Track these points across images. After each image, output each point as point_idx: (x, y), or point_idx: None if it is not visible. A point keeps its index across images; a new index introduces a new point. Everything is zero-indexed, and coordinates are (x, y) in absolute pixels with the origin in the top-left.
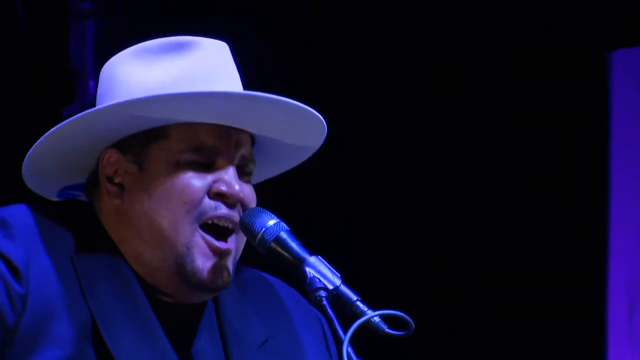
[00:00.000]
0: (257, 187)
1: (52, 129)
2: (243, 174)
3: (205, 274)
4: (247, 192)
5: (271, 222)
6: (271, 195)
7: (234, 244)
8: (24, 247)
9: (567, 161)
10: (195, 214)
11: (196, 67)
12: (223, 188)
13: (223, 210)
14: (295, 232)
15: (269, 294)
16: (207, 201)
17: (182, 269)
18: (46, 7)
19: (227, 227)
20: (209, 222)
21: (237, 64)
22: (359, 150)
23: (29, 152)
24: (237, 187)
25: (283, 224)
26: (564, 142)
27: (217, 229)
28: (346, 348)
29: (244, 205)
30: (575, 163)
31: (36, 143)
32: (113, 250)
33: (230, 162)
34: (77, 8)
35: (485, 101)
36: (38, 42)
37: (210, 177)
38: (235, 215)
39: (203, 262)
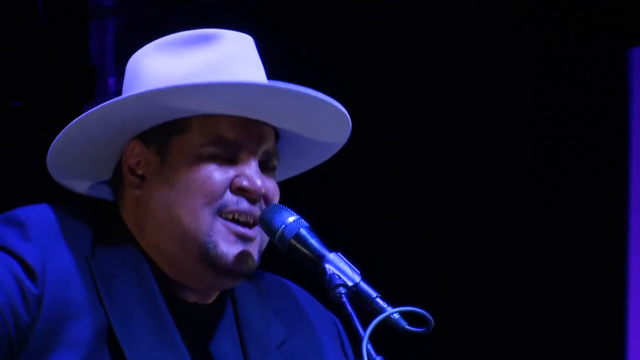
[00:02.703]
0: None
1: (77, 119)
2: (266, 168)
3: (230, 257)
4: (270, 187)
5: (291, 219)
6: (289, 190)
7: (258, 233)
8: (39, 248)
9: (586, 157)
10: (217, 205)
11: (219, 59)
12: (245, 183)
13: (245, 205)
14: (314, 228)
15: (287, 297)
16: (229, 195)
17: (206, 255)
18: (67, 5)
19: (248, 222)
20: (230, 216)
21: (263, 58)
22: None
23: (53, 142)
24: (259, 182)
25: (303, 221)
26: (583, 139)
27: (238, 223)
28: (366, 345)
29: (266, 201)
30: (594, 159)
31: (62, 132)
32: (132, 247)
33: (252, 156)
34: (98, 6)
35: (503, 98)
36: (58, 40)
37: (232, 171)
38: (257, 210)
39: (227, 247)
